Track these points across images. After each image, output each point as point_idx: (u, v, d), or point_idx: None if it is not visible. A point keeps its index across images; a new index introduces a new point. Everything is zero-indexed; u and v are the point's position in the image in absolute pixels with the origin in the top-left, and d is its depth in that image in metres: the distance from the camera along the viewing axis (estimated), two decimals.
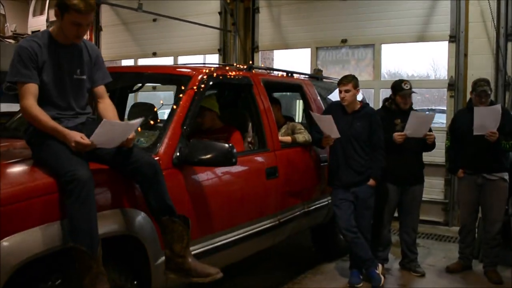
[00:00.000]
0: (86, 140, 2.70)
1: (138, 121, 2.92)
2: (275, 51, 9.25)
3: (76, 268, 2.54)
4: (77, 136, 2.70)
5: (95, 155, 2.89)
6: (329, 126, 4.65)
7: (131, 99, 7.72)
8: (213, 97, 4.58)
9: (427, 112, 5.26)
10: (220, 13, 9.18)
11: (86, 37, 3.11)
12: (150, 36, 9.97)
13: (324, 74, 7.20)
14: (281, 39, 8.76)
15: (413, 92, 5.14)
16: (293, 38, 8.64)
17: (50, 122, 2.76)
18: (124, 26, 10.37)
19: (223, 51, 9.17)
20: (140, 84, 5.27)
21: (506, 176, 5.10)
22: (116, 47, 10.37)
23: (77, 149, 2.69)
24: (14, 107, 4.17)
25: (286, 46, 8.81)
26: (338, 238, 5.55)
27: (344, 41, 8.17)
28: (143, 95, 8.89)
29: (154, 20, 9.71)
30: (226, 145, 3.27)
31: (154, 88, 9.48)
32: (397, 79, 5.55)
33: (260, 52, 9.05)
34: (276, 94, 5.70)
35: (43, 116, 2.77)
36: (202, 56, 9.68)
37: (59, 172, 2.59)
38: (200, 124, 4.41)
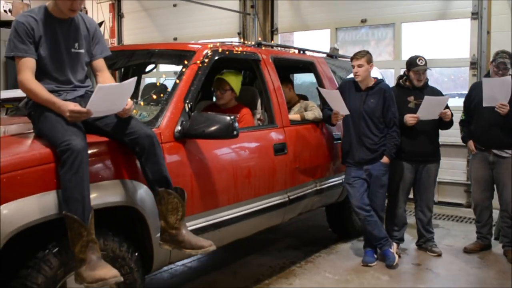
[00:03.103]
0: (79, 108, 2.72)
1: (132, 80, 2.89)
2: (294, 33, 9.13)
3: (68, 236, 2.57)
4: (71, 105, 2.72)
5: (95, 127, 2.93)
6: (337, 102, 4.58)
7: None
8: (240, 78, 4.54)
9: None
10: None
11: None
12: (171, 21, 9.98)
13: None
14: (300, 21, 8.67)
15: (428, 68, 5.02)
16: (312, 19, 8.53)
17: (46, 94, 2.79)
18: (145, 12, 10.42)
19: (242, 34, 9.13)
20: (153, 65, 5.25)
21: None
22: (138, 33, 10.41)
23: (73, 119, 2.71)
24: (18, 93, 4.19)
25: (305, 27, 8.70)
26: (354, 218, 5.49)
27: (363, 21, 8.04)
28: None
29: (175, 5, 9.76)
30: (228, 117, 3.24)
31: (176, 73, 9.47)
32: None
33: (279, 34, 8.98)
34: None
35: (39, 89, 2.80)
36: (223, 40, 9.62)
37: (56, 143, 2.63)
38: (218, 98, 4.45)
